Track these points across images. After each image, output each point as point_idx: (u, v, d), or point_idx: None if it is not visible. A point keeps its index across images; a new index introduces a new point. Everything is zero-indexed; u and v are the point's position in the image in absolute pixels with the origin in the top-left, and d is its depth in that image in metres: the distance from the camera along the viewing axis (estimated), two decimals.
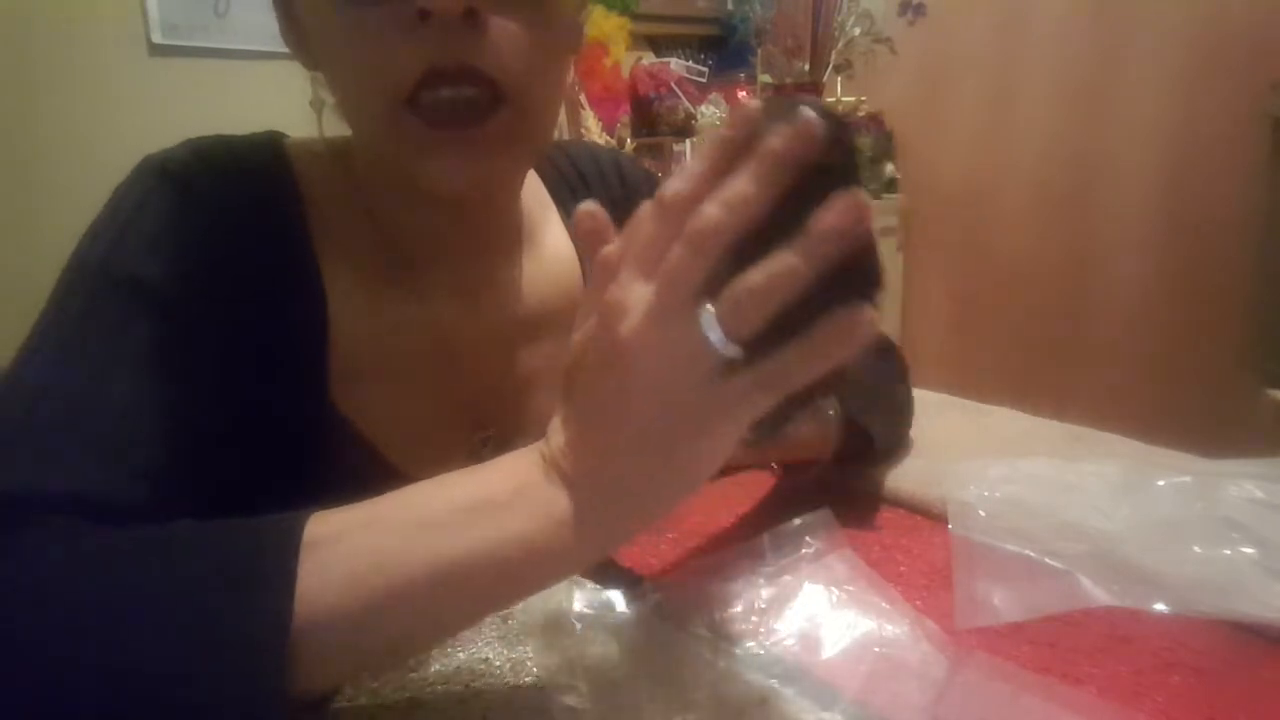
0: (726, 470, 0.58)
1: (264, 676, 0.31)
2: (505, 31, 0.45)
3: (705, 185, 0.31)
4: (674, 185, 0.31)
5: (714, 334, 0.30)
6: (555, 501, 0.34)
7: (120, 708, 0.31)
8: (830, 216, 0.28)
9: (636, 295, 0.31)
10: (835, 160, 0.29)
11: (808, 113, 0.29)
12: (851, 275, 0.29)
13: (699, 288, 0.30)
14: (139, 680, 0.31)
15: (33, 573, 0.33)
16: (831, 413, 0.59)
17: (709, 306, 0.30)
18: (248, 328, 0.48)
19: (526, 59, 0.46)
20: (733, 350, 0.30)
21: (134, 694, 0.31)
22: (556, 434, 0.35)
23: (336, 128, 0.56)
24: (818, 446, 0.60)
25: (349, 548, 0.34)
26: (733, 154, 0.30)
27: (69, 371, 0.42)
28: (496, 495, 0.35)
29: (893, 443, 0.68)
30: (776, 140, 0.29)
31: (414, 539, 0.34)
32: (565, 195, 0.66)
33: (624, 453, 0.33)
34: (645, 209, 0.32)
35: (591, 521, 0.34)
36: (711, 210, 0.30)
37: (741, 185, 0.30)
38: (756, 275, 0.29)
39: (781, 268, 0.29)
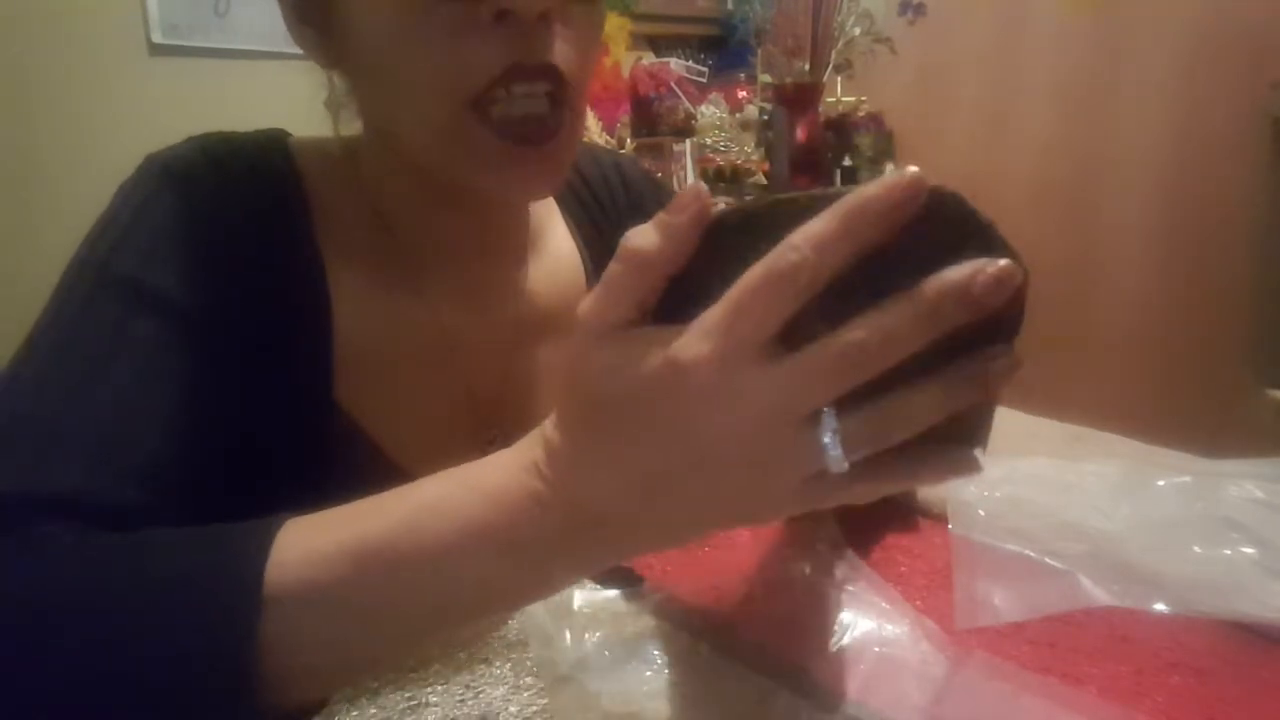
0: None
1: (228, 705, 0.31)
2: (566, 35, 0.46)
3: (838, 256, 0.26)
4: (802, 252, 0.26)
5: (834, 450, 0.27)
6: (550, 543, 0.31)
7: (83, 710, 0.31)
8: (995, 377, 0.27)
9: (744, 375, 0.27)
10: (1008, 310, 0.26)
11: (1007, 264, 0.25)
12: (968, 417, 0.28)
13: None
14: (101, 689, 0.31)
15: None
16: None
17: (828, 418, 0.27)
18: (251, 326, 0.48)
19: (584, 61, 0.48)
20: (843, 468, 0.27)
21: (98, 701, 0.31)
22: (568, 470, 0.31)
23: (347, 129, 0.56)
24: None
25: (320, 597, 0.32)
26: (876, 231, 0.26)
27: (66, 372, 0.42)
28: (488, 529, 0.32)
29: None
30: (975, 284, 0.25)
31: (394, 578, 0.32)
32: (569, 198, 0.66)
33: (646, 512, 0.31)
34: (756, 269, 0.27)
35: (583, 557, 0.33)
36: (871, 341, 0.26)
37: (911, 323, 0.25)
38: (899, 403, 0.27)
39: (923, 405, 0.27)
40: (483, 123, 0.46)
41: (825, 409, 0.27)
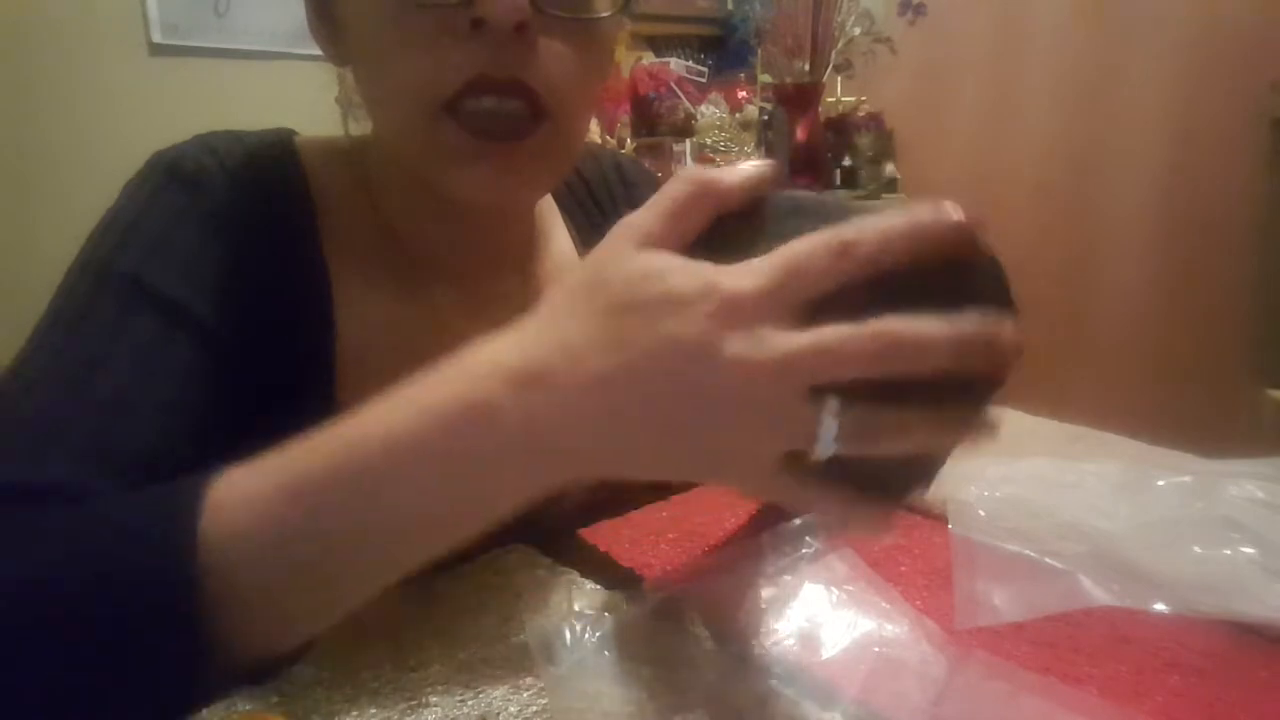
0: None
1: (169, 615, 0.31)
2: (552, 50, 0.45)
3: (893, 253, 0.29)
4: (864, 234, 0.28)
5: (828, 431, 0.28)
6: (495, 456, 0.31)
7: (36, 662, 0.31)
8: (980, 429, 0.29)
9: (775, 322, 0.29)
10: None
11: (1022, 335, 0.28)
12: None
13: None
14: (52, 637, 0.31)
15: None
16: None
17: (834, 402, 0.28)
18: (254, 326, 0.48)
19: (570, 79, 0.47)
20: (827, 452, 0.29)
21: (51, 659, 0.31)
22: (542, 388, 0.31)
23: (357, 127, 0.56)
24: None
25: (258, 538, 0.32)
26: (931, 245, 0.29)
27: (67, 367, 0.42)
28: (421, 446, 0.32)
29: None
30: (1002, 337, 0.28)
31: (330, 509, 0.32)
32: (571, 203, 0.66)
33: (617, 434, 0.31)
34: (810, 241, 0.29)
35: (529, 471, 0.32)
36: (905, 337, 0.28)
37: (943, 342, 0.27)
38: (898, 417, 0.29)
39: (916, 428, 0.29)
40: (451, 120, 0.45)
41: (833, 395, 0.28)
